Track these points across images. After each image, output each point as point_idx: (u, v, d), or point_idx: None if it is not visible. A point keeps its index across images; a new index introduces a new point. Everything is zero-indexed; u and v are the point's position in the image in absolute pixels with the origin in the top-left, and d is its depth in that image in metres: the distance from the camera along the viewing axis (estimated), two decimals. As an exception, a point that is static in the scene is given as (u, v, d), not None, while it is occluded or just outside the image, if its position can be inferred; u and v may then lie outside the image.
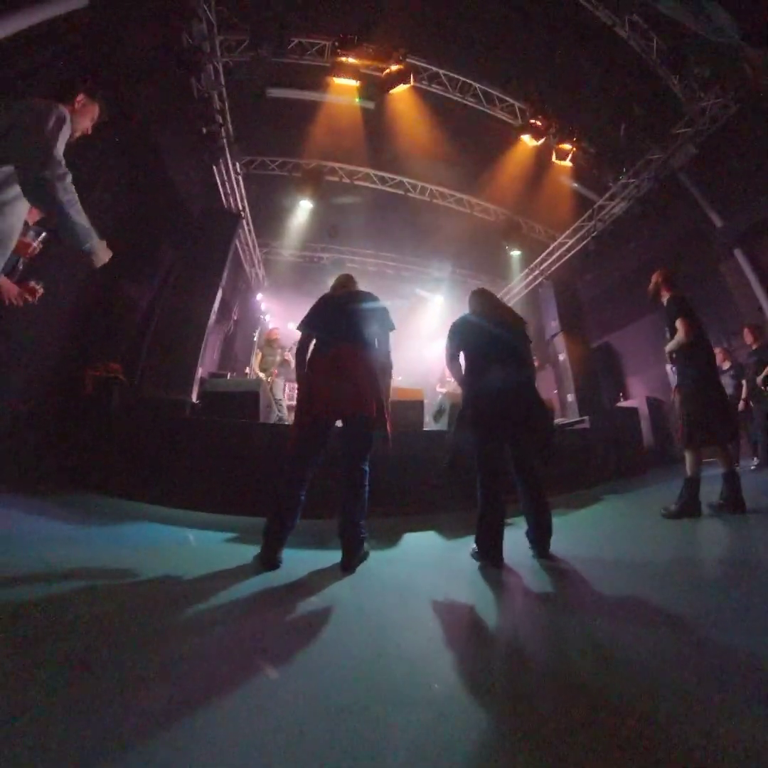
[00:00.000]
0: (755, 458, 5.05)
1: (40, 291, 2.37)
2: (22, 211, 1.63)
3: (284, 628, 1.34)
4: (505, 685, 1.02)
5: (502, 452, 2.16)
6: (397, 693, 0.97)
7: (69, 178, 1.53)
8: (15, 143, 1.49)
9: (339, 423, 2.18)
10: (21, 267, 2.44)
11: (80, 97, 1.80)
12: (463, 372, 2.34)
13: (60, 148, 1.55)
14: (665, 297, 2.97)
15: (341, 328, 2.22)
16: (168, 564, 1.96)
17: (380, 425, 2.16)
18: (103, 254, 1.79)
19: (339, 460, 2.11)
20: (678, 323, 2.76)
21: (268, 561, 1.89)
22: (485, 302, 2.48)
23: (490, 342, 2.25)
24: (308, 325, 2.31)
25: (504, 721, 0.88)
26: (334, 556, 1.98)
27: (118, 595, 1.59)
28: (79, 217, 1.59)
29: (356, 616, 1.44)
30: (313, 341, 2.29)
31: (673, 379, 3.09)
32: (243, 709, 0.91)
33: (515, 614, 1.51)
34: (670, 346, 2.88)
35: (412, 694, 0.97)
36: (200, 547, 2.39)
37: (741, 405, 5.13)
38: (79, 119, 1.80)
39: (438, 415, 4.31)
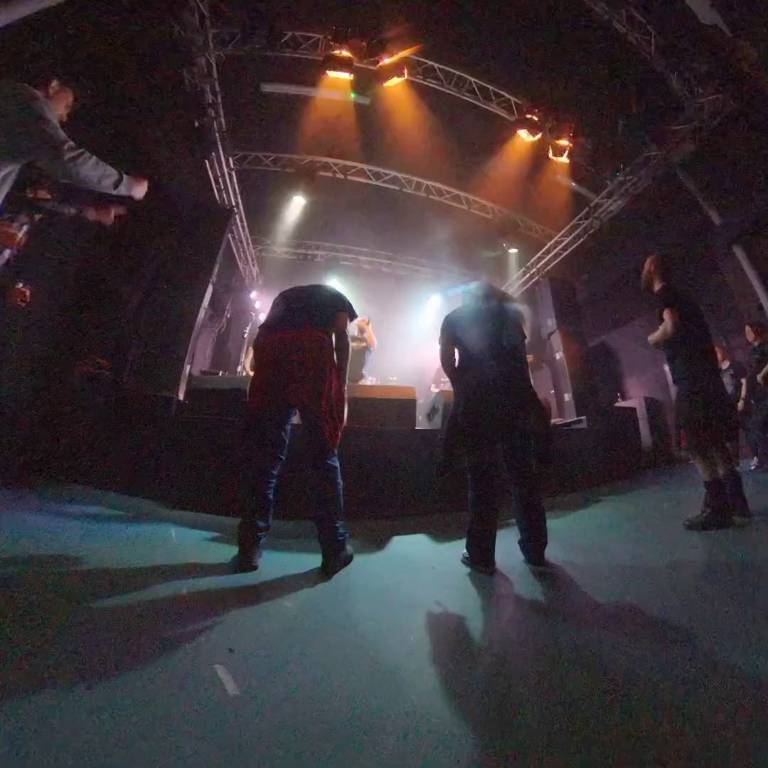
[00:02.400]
0: (755, 458, 4.97)
1: (29, 294, 2.31)
2: None
3: (251, 633, 1.24)
4: (492, 700, 0.94)
5: (495, 454, 2.04)
6: (366, 712, 0.88)
7: (75, 151, 1.62)
8: (23, 140, 1.55)
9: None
10: (8, 256, 2.34)
11: (53, 84, 1.80)
12: (456, 367, 2.21)
13: (57, 126, 1.62)
14: (657, 287, 2.77)
15: (292, 313, 2.12)
16: (140, 558, 1.88)
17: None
18: (138, 189, 1.92)
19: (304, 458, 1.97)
20: (664, 314, 2.56)
21: (244, 563, 1.79)
22: (484, 294, 2.35)
23: (484, 336, 2.13)
24: (266, 320, 2.22)
25: (490, 737, 0.81)
26: (317, 560, 1.88)
27: (69, 584, 1.52)
28: (105, 178, 1.74)
29: (329, 624, 1.34)
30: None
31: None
32: (197, 725, 0.82)
33: (506, 624, 1.42)
34: (653, 337, 2.67)
35: (383, 713, 0.88)
36: (179, 544, 2.29)
37: (741, 404, 5.05)
38: (53, 105, 1.78)
39: (431, 414, 4.21)
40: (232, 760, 0.74)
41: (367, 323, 6.53)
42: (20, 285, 2.21)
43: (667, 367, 2.98)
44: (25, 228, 2.31)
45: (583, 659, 1.11)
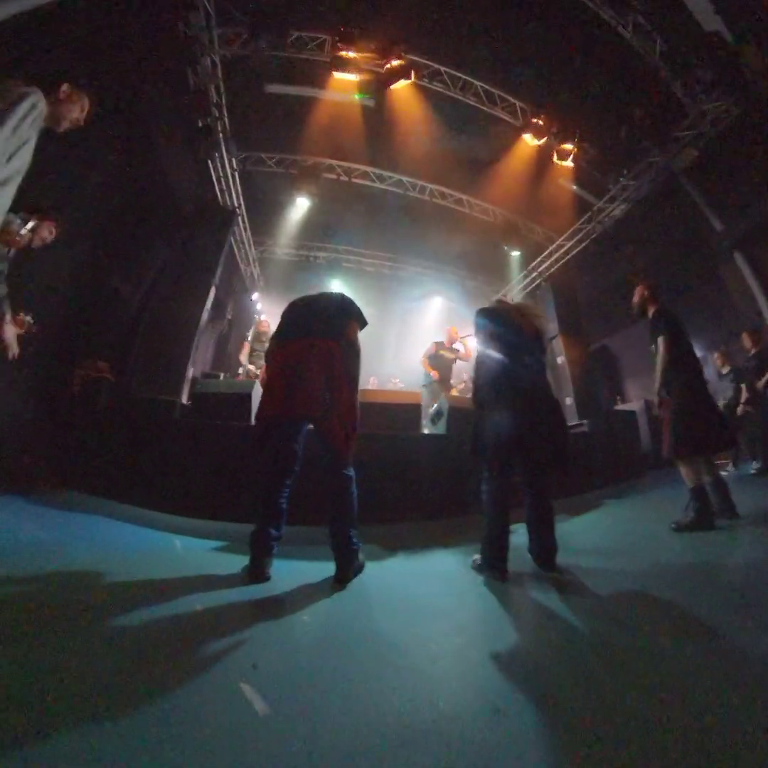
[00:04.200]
0: (754, 462, 4.99)
1: (31, 324, 2.27)
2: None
3: (273, 648, 1.23)
4: (515, 708, 0.94)
5: (513, 462, 2.06)
6: (398, 723, 0.88)
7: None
8: None
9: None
10: (11, 255, 2.30)
11: (64, 88, 1.78)
12: (484, 366, 2.19)
13: (23, 127, 1.50)
14: (651, 311, 3.00)
15: (303, 323, 2.11)
16: (149, 570, 1.86)
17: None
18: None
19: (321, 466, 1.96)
20: (658, 341, 2.83)
21: (256, 573, 1.78)
22: (510, 308, 2.38)
23: (517, 340, 2.15)
24: (276, 330, 2.21)
25: (514, 745, 0.81)
26: (328, 568, 1.87)
27: (79, 598, 1.49)
28: None
29: (350, 635, 1.33)
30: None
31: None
32: (220, 742, 0.81)
33: (524, 631, 1.42)
34: (658, 372, 2.85)
35: (414, 723, 0.88)
36: (186, 554, 2.28)
37: (740, 409, 5.08)
38: (66, 109, 1.79)
39: (436, 418, 4.21)
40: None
41: (458, 333, 5.92)
42: (21, 315, 2.18)
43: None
44: (28, 226, 2.25)
45: (604, 658, 1.14)
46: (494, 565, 1.92)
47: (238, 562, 1.89)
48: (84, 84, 1.82)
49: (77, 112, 1.83)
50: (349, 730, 0.86)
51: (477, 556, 2.02)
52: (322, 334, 2.04)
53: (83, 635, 1.24)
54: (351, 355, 2.09)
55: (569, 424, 6.48)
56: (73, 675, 1.03)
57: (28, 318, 2.19)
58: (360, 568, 1.94)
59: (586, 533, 2.84)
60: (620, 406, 7.83)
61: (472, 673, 1.10)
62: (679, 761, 0.75)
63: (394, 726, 0.87)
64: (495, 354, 2.12)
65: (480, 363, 2.19)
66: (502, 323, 2.23)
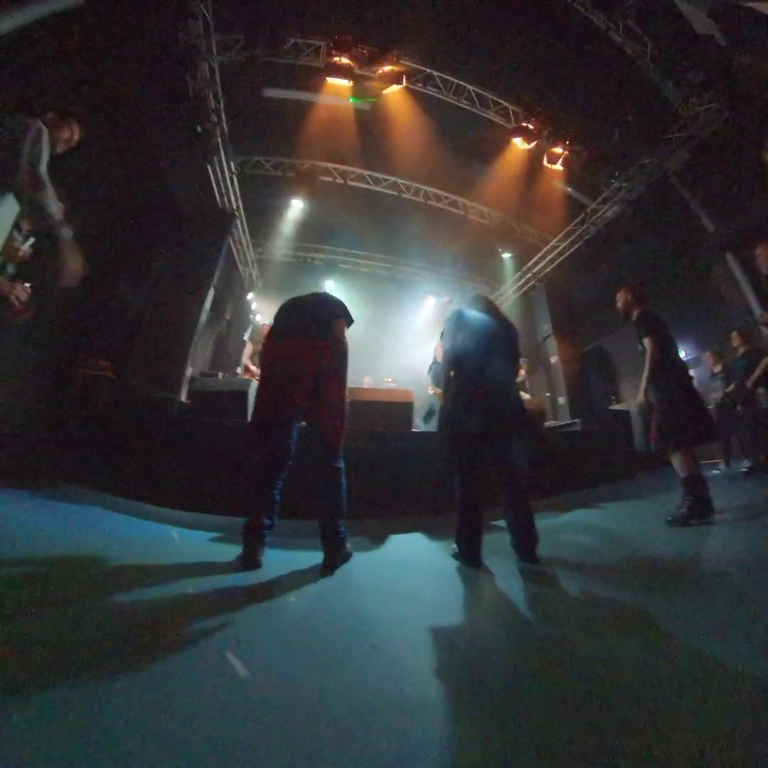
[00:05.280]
0: (746, 460, 5.06)
1: (28, 291, 2.34)
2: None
3: (258, 625, 1.32)
4: (481, 685, 1.01)
5: (480, 453, 2.12)
6: (372, 698, 0.95)
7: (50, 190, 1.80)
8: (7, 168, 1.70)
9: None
10: (11, 271, 2.39)
11: (50, 115, 1.95)
12: (452, 367, 2.24)
13: (43, 164, 1.75)
14: (635, 313, 3.06)
15: (293, 322, 2.21)
16: (145, 558, 1.95)
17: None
18: (71, 249, 2.06)
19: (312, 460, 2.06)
20: (645, 342, 2.87)
21: (249, 561, 1.87)
22: (485, 307, 2.44)
23: (484, 342, 2.20)
24: (269, 330, 2.31)
25: (481, 726, 0.86)
26: (318, 557, 1.96)
27: (77, 583, 1.58)
28: (59, 215, 1.90)
29: (331, 615, 1.43)
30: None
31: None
32: (208, 711, 0.88)
33: (492, 617, 1.50)
34: (645, 374, 2.91)
35: (387, 697, 0.95)
36: (183, 544, 2.36)
37: (721, 396, 5.17)
38: (57, 133, 1.96)
39: (428, 416, 4.30)
40: (243, 737, 0.80)
41: None
42: (18, 285, 2.23)
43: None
44: (29, 242, 2.35)
45: (564, 649, 1.20)
46: (467, 555, 2.01)
47: (232, 551, 1.97)
48: (70, 109, 1.98)
49: (67, 133, 1.99)
50: (320, 696, 0.94)
51: (455, 545, 2.11)
52: (312, 334, 2.14)
53: (84, 611, 1.33)
54: (339, 351, 2.19)
55: (560, 422, 6.58)
56: (72, 643, 1.12)
57: (27, 285, 2.23)
58: (347, 557, 2.03)
59: (574, 529, 2.88)
60: (614, 406, 7.90)
61: (439, 654, 1.17)
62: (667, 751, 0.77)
63: (362, 697, 0.94)
64: (459, 353, 2.18)
65: (444, 362, 2.24)
66: (472, 323, 2.27)
